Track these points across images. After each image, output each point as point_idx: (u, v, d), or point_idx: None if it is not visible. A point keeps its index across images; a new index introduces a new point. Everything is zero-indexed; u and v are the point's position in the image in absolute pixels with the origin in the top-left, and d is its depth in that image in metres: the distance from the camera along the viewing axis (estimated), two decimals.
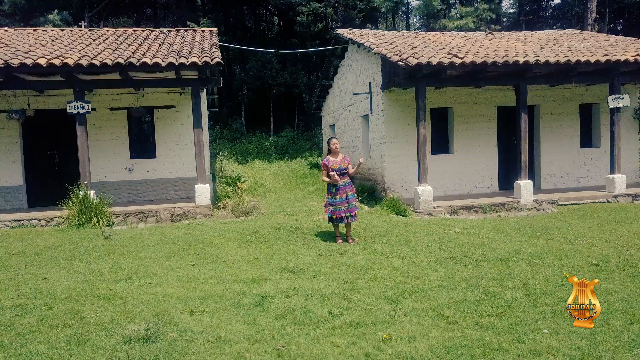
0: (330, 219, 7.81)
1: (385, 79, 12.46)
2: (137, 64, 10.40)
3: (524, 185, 11.41)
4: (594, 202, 11.51)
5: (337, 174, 7.63)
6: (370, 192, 13.16)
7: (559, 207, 11.15)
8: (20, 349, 4.03)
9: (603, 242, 7.18)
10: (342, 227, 7.99)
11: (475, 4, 21.83)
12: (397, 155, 12.83)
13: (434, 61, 10.47)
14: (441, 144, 13.42)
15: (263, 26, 26.95)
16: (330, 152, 7.86)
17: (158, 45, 12.48)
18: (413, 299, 4.89)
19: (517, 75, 11.32)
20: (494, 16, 22.40)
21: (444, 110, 13.43)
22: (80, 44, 12.37)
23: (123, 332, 4.23)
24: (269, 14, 25.35)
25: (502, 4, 28.38)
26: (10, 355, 3.93)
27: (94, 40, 13.07)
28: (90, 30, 14.80)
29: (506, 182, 13.47)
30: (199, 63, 10.61)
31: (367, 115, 14.08)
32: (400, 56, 10.85)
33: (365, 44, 12.88)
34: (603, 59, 11.24)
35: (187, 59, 10.80)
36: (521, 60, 10.84)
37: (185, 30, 15.22)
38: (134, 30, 14.85)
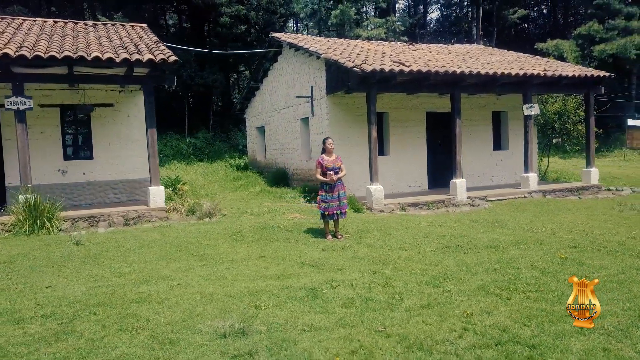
0: (323, 216, 8.11)
1: (330, 83, 12.99)
2: (89, 58, 9.80)
3: (460, 183, 12.63)
4: (516, 198, 13.11)
5: (332, 173, 7.96)
6: (315, 192, 13.52)
7: (489, 202, 12.52)
8: (110, 353, 3.86)
9: (556, 229, 8.39)
10: (330, 224, 8.31)
11: (387, 17, 23.39)
12: (340, 157, 13.38)
13: (387, 68, 11.24)
14: (378, 146, 14.25)
15: (181, 25, 26.06)
16: (324, 151, 8.17)
17: (95, 38, 11.75)
18: (450, 283, 5.44)
19: (453, 84, 12.51)
20: (402, 28, 24.14)
21: (380, 115, 14.28)
22: (2, 32, 11.22)
23: (210, 329, 4.23)
24: (188, 13, 24.49)
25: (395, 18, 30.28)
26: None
27: (16, 29, 11.92)
28: (3, 19, 13.37)
29: (434, 181, 14.75)
30: (156, 60, 10.27)
31: (308, 118, 14.49)
32: (353, 62, 11.46)
33: (310, 49, 13.29)
34: (521, 72, 12.88)
35: (140, 55, 10.38)
36: (458, 70, 12.05)
37: (113, 24, 14.42)
38: (55, 22, 13.73)
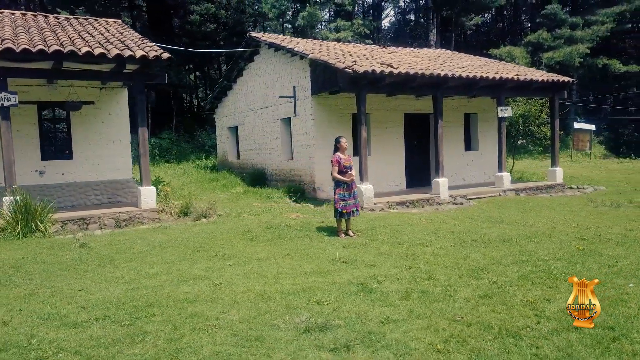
0: (340, 214, 8.16)
1: (316, 84, 13.06)
2: (80, 53, 9.38)
3: (442, 182, 13.06)
4: (493, 196, 13.70)
5: (352, 172, 8.10)
6: (300, 192, 13.58)
7: (470, 200, 13.02)
8: (201, 351, 3.79)
9: (553, 224, 8.87)
10: (342, 222, 8.39)
11: (353, 20, 23.74)
12: (326, 156, 13.49)
13: (377, 70, 11.48)
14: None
15: (134, 23, 25.14)
16: (338, 150, 8.25)
17: (76, 33, 11.23)
18: (490, 274, 5.67)
19: (436, 86, 12.91)
20: (367, 32, 24.59)
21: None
22: None
23: (288, 325, 4.22)
24: (147, 10, 23.69)
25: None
26: (200, 358, 3.68)
27: None
28: None
29: (411, 181, 15.17)
30: (149, 57, 9.97)
31: (289, 118, 14.48)
32: (343, 63, 11.61)
33: (295, 49, 13.31)
34: (497, 76, 13.49)
35: (132, 51, 10.04)
36: (442, 73, 12.48)
37: (86, 19, 13.79)
38: (24, 14, 13.00)
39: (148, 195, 10.44)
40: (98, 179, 11.86)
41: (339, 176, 8.10)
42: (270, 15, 21.97)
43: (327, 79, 12.55)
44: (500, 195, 13.94)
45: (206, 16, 20.24)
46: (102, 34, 11.61)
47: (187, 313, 4.64)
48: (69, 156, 11.60)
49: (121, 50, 9.95)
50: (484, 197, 13.50)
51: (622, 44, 33.89)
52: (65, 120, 11.59)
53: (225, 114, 18.86)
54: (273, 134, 15.49)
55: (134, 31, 12.65)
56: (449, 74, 12.59)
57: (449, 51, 19.66)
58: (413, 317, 4.39)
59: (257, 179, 15.76)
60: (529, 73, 15.04)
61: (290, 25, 22.48)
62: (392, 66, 12.04)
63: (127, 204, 11.65)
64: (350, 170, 8.20)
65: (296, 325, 4.21)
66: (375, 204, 11.92)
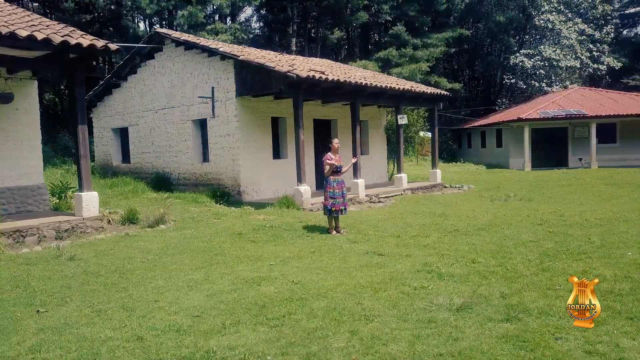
0: (329, 212, 8.46)
1: (243, 85, 12.98)
2: (21, 37, 8.05)
3: (361, 183, 14.08)
4: (399, 194, 15.17)
5: (339, 171, 8.49)
6: (225, 195, 13.24)
7: (383, 199, 14.24)
8: (400, 337, 3.95)
9: (492, 215, 10.38)
10: (332, 219, 8.69)
11: (231, 24, 23.41)
12: (250, 159, 13.50)
13: (316, 76, 11.98)
14: (278, 149, 14.75)
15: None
16: (330, 150, 8.55)
17: None
18: (513, 255, 6.61)
19: (355, 93, 13.87)
20: (245, 36, 24.50)
21: (276, 120, 14.77)
22: None
23: (436, 307, 4.58)
24: None
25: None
26: (408, 343, 3.86)
27: None
28: None
29: (320, 183, 15.89)
30: (98, 47, 8.96)
31: (205, 119, 14.02)
32: (282, 67, 11.84)
33: (220, 49, 13.02)
34: (400, 87, 15.04)
35: (73, 38, 8.90)
36: (364, 82, 13.51)
37: None
38: None
39: (90, 201, 9.30)
40: (3, 186, 10.05)
41: (330, 163, 8.46)
42: (148, 11, 20.45)
43: (258, 82, 12.58)
44: (402, 194, 15.48)
45: (81, 4, 18.00)
46: (7, 15, 9.93)
47: (319, 308, 4.65)
48: None
49: (62, 36, 8.73)
50: (394, 196, 14.88)
51: (448, 64, 39.59)
52: None
53: (110, 114, 17.21)
54: (181, 135, 14.77)
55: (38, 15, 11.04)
56: (368, 83, 13.66)
57: (333, 62, 20.93)
58: (518, 290, 5.09)
59: (161, 183, 14.83)
60: (419, 86, 16.99)
61: (166, 23, 21.20)
62: (324, 73, 12.63)
63: (40, 214, 10.12)
64: (340, 171, 8.61)
65: (442, 306, 4.59)
66: (312, 204, 12.33)
